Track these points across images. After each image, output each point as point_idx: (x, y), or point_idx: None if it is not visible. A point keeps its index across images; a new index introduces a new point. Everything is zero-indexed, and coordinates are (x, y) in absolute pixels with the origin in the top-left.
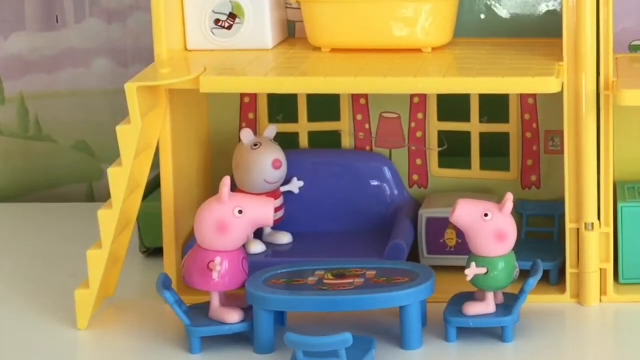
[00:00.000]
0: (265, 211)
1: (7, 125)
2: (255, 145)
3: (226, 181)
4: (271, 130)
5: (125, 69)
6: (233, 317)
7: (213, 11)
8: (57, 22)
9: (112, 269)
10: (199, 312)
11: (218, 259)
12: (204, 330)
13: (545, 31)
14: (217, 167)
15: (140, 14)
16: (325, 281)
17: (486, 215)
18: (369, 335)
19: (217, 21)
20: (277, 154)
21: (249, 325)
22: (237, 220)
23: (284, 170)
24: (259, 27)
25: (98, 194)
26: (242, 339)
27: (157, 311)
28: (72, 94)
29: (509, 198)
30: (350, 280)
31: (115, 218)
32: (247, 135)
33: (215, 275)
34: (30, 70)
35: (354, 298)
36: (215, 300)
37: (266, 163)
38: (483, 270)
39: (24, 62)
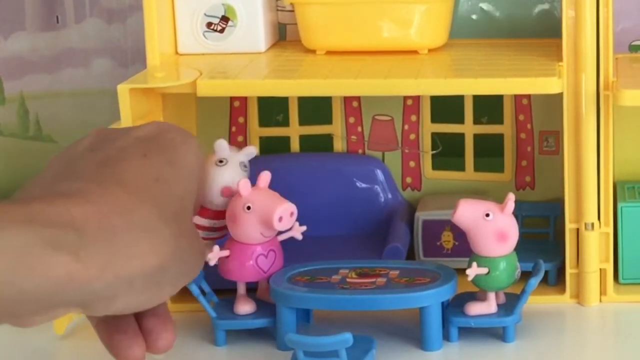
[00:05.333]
0: (270, 211)
1: (7, 125)
2: (221, 161)
3: (245, 180)
4: (247, 152)
5: (125, 69)
6: (244, 308)
7: (205, 14)
8: (57, 22)
9: None
10: (229, 305)
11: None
12: (228, 323)
13: (540, 31)
14: None
15: (140, 14)
16: (348, 280)
17: (487, 215)
18: (390, 335)
19: (209, 24)
20: (232, 180)
21: (273, 321)
22: (245, 215)
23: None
24: (252, 30)
25: None
26: (267, 334)
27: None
28: (72, 94)
29: (511, 198)
30: (373, 280)
31: None
32: (219, 147)
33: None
34: (30, 70)
35: (374, 297)
36: (240, 290)
37: (217, 186)
38: (484, 270)
39: (24, 62)
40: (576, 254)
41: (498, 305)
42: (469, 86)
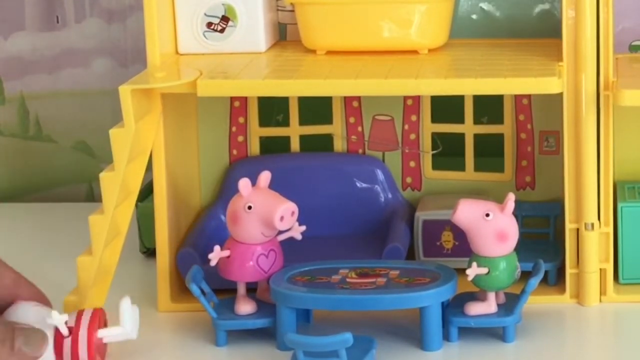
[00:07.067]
0: (271, 211)
1: (7, 125)
2: None
3: (245, 180)
4: None
5: (125, 69)
6: (245, 308)
7: (205, 14)
8: (57, 22)
9: (103, 280)
10: (229, 305)
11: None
12: (229, 323)
13: (540, 31)
14: (207, 172)
15: (140, 14)
16: (348, 280)
17: (487, 215)
18: (390, 335)
19: (209, 24)
20: None
21: (273, 321)
22: (246, 215)
23: None
24: (252, 30)
25: (98, 194)
26: (267, 334)
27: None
28: (72, 94)
29: (511, 198)
30: (373, 280)
31: (106, 224)
32: None
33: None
34: (30, 70)
35: (374, 297)
36: (241, 290)
37: None
38: (484, 270)
39: (24, 62)
40: (576, 254)
41: (498, 305)
42: (469, 86)
